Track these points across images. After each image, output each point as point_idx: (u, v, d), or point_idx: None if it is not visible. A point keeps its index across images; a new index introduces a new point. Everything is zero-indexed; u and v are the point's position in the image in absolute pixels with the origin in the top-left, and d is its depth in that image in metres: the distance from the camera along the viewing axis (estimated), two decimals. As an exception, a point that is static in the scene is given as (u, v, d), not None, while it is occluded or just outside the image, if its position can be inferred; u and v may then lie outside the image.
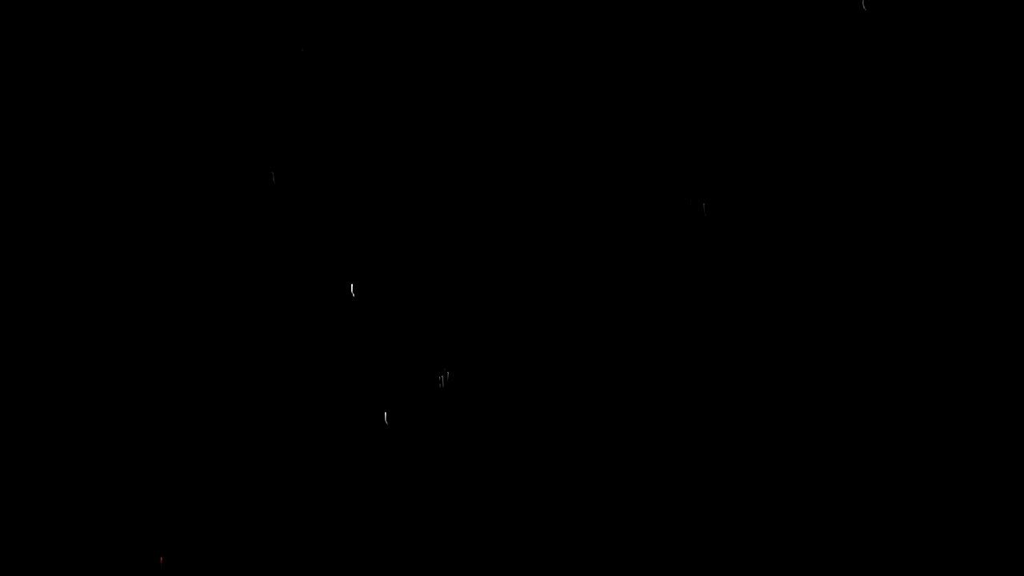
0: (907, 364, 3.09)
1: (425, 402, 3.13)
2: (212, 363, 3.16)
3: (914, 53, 3.22)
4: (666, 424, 3.10)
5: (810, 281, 3.15)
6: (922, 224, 3.15)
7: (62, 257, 3.19)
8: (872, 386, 3.09)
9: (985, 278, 3.11)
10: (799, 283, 3.15)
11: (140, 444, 3.11)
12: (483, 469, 3.09)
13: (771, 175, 3.21)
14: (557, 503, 3.07)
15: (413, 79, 3.31)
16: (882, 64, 3.23)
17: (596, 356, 3.14)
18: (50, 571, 3.01)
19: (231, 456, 3.11)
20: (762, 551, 3.01)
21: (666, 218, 3.21)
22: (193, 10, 3.30)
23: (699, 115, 3.25)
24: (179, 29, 3.31)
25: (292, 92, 3.31)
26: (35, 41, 3.29)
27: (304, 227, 3.25)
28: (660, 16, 3.27)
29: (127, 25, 3.30)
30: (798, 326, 3.12)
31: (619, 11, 3.28)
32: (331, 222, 3.25)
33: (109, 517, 3.06)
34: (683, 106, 3.25)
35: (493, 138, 3.28)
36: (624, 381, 3.13)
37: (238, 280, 3.21)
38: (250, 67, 3.30)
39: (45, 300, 3.18)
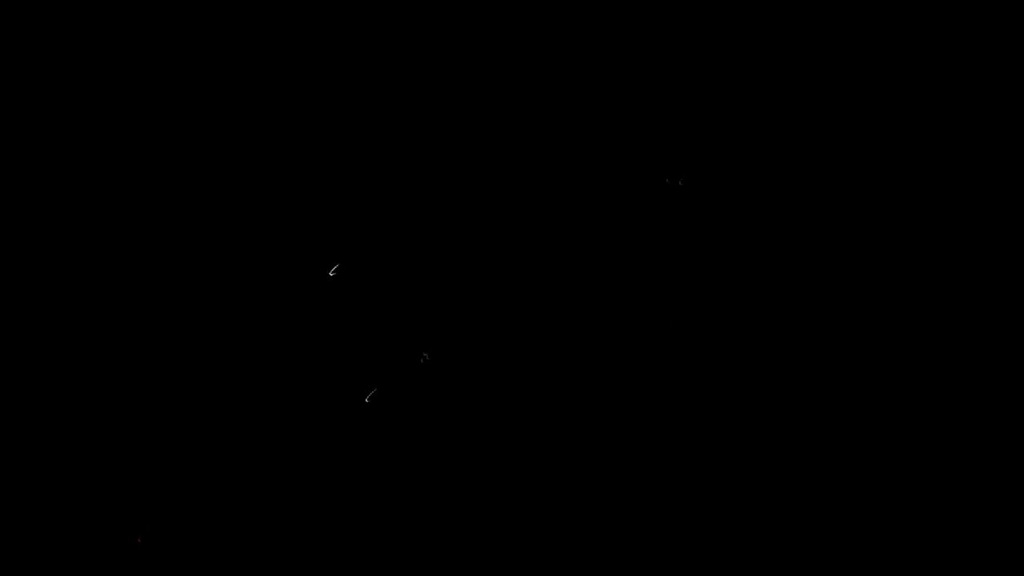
0: (889, 341, 3.03)
1: (407, 379, 3.16)
2: (195, 344, 3.19)
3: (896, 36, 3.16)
4: (646, 402, 3.08)
5: (790, 258, 3.11)
6: (900, 201, 3.09)
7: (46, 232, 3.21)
8: (856, 364, 3.03)
9: (980, 250, 3.03)
10: (778, 259, 3.11)
11: (127, 421, 3.13)
12: (465, 444, 3.12)
13: (749, 150, 3.18)
14: (540, 478, 3.07)
15: (392, 52, 3.33)
16: (862, 39, 3.18)
17: (576, 330, 3.14)
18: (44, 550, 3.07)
19: (216, 435, 3.14)
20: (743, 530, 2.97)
21: (642, 192, 3.19)
22: None
23: (677, 94, 3.22)
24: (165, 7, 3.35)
25: (275, 74, 3.32)
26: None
27: (284, 207, 3.27)
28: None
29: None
30: (776, 299, 3.08)
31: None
32: (311, 203, 3.27)
33: (94, 479, 3.10)
34: (660, 85, 3.23)
35: (471, 119, 3.29)
36: (603, 355, 3.14)
37: (219, 262, 3.24)
38: (236, 49, 3.33)
39: (41, 282, 3.20)
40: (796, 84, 3.18)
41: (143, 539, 3.03)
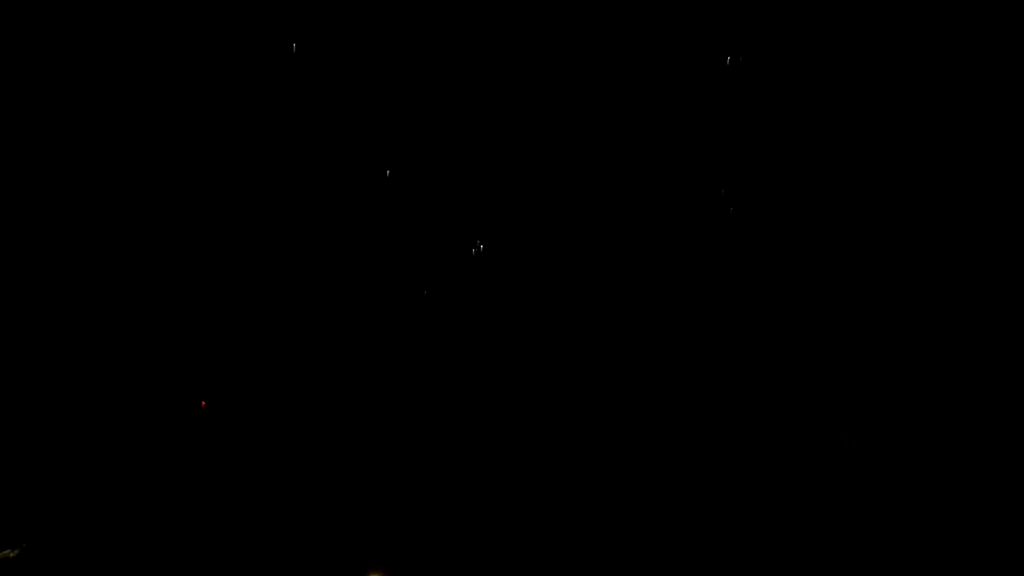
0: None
1: (461, 270, 3.12)
2: (251, 245, 3.12)
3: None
4: (680, 295, 3.14)
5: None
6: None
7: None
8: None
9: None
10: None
11: (178, 306, 3.12)
12: (512, 331, 3.09)
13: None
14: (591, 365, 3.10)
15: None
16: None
17: (623, 228, 3.13)
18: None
19: (271, 325, 3.08)
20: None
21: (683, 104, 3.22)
22: None
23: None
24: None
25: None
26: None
27: (337, 107, 3.22)
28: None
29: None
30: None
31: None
32: (363, 102, 3.21)
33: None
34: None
35: (521, 29, 3.24)
36: (649, 253, 3.11)
37: (276, 166, 3.18)
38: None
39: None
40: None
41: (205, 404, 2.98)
